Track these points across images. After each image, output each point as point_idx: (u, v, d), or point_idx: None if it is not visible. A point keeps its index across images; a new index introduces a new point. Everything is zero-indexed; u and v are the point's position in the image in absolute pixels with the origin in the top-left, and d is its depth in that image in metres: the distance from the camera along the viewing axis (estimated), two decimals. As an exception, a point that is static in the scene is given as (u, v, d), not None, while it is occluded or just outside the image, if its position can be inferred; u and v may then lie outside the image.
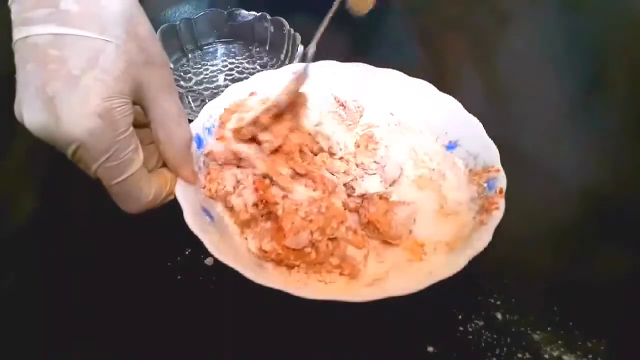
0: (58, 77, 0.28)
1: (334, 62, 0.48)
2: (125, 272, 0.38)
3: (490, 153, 0.39)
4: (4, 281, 0.38)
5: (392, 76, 0.47)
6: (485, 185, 0.38)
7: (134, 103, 0.31)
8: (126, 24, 0.29)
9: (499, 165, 0.38)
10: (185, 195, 0.35)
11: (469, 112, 0.43)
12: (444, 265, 0.34)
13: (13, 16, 0.28)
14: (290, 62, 0.52)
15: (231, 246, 0.37)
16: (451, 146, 0.43)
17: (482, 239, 0.33)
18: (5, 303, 0.36)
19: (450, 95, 0.44)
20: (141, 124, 0.34)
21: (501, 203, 0.35)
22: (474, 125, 0.41)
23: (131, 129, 0.31)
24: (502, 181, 0.37)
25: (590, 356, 0.34)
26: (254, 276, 0.31)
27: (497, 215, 0.34)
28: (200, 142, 0.40)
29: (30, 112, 0.28)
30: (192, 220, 0.34)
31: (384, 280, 0.36)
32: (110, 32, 0.29)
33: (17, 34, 0.28)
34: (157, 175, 0.35)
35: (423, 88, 0.46)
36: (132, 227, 0.40)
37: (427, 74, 0.47)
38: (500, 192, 0.36)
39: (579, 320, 0.35)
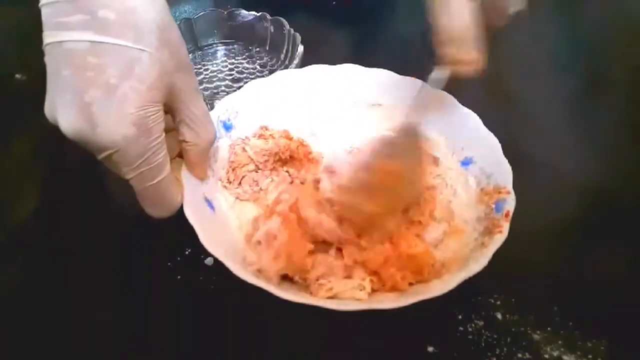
0: (96, 85, 0.28)
1: (357, 66, 0.47)
2: (125, 272, 0.38)
3: (503, 173, 0.38)
4: (4, 281, 0.38)
5: (415, 85, 0.45)
6: (493, 206, 0.37)
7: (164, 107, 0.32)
8: (159, 32, 0.30)
9: (510, 187, 0.37)
10: (188, 183, 0.36)
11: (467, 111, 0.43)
12: (434, 285, 0.34)
13: (44, 18, 0.28)
14: (290, 62, 0.52)
15: (226, 240, 0.37)
16: (466, 162, 0.42)
17: (479, 262, 0.32)
18: (6, 303, 0.36)
19: (451, 94, 0.44)
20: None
21: (505, 227, 0.34)
22: (491, 144, 0.40)
23: (163, 134, 0.32)
24: (510, 204, 0.36)
25: (590, 356, 0.34)
26: (239, 272, 0.31)
27: (499, 239, 0.33)
28: None
29: (66, 117, 0.28)
30: (190, 208, 0.34)
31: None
32: (145, 41, 0.29)
33: (51, 37, 0.28)
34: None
35: (445, 100, 0.44)
36: (132, 227, 0.40)
37: (429, 72, 0.47)
38: (507, 215, 0.35)
39: (579, 320, 0.35)
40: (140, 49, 0.29)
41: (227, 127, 0.43)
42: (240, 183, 0.41)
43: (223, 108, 0.43)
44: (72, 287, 0.37)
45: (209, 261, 0.38)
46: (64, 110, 0.28)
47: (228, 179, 0.41)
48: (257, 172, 0.42)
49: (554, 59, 0.60)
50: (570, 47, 0.62)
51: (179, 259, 0.38)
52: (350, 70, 0.47)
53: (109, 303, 0.36)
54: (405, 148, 0.37)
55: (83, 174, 0.45)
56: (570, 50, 0.62)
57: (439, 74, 0.36)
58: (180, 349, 0.34)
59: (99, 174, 0.45)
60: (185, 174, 0.36)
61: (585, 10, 0.69)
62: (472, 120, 0.43)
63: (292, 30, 0.55)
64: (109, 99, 0.28)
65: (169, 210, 0.34)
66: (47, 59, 0.29)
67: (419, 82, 0.45)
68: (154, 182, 0.32)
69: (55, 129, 0.29)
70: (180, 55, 0.32)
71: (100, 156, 0.30)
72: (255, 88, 0.45)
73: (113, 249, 0.39)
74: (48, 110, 0.29)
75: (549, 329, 0.35)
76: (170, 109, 0.33)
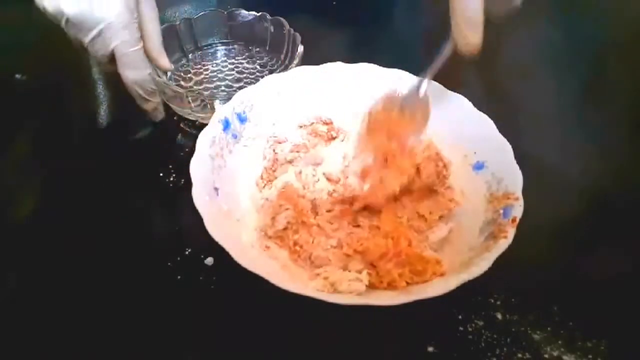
0: None
1: (374, 65, 0.47)
2: (125, 272, 0.38)
3: (514, 179, 0.38)
4: (4, 281, 0.38)
5: (430, 88, 0.45)
6: (501, 211, 0.37)
7: None
8: None
9: (519, 194, 0.36)
10: (197, 171, 0.36)
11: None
12: (433, 285, 0.34)
13: None
14: (290, 62, 0.52)
15: (230, 226, 0.37)
16: (478, 166, 0.42)
17: (480, 266, 0.32)
18: (5, 303, 0.36)
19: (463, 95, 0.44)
20: None
21: (511, 232, 0.34)
22: (503, 149, 0.40)
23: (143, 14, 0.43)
24: (518, 210, 0.35)
25: (590, 356, 0.34)
26: (239, 257, 0.31)
27: (503, 244, 0.33)
28: (227, 125, 0.42)
29: (70, 2, 0.39)
30: (198, 195, 0.34)
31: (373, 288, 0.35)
32: None
33: None
34: None
35: (459, 103, 0.44)
36: (132, 227, 0.40)
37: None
38: (513, 221, 0.35)
39: (579, 320, 0.35)
40: None
41: (242, 120, 0.44)
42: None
43: (238, 100, 0.43)
44: (71, 287, 0.37)
45: (209, 261, 0.38)
46: None
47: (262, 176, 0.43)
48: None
49: (557, 61, 0.60)
50: (573, 48, 0.62)
51: (179, 259, 0.38)
52: (367, 70, 0.47)
53: (109, 303, 0.36)
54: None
55: (83, 174, 0.45)
56: (574, 51, 0.62)
57: (445, 51, 0.38)
58: (180, 349, 0.34)
59: (98, 174, 0.45)
60: (194, 168, 0.37)
61: (589, 9, 0.69)
62: (485, 123, 0.42)
63: (292, 30, 0.54)
64: None
65: (140, 76, 0.43)
66: None
67: (437, 84, 0.45)
68: (134, 49, 0.42)
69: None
70: None
71: (94, 32, 0.40)
72: (272, 83, 0.45)
73: (113, 249, 0.39)
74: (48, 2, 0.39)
75: (549, 329, 0.35)
76: None
